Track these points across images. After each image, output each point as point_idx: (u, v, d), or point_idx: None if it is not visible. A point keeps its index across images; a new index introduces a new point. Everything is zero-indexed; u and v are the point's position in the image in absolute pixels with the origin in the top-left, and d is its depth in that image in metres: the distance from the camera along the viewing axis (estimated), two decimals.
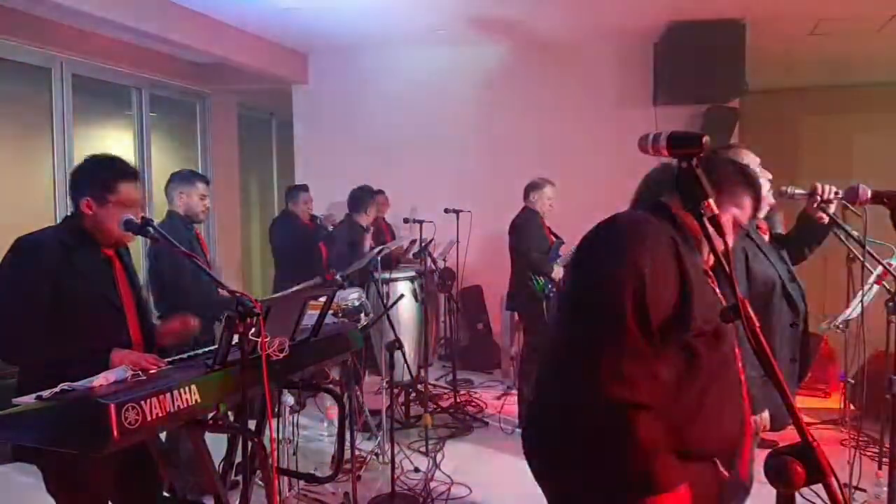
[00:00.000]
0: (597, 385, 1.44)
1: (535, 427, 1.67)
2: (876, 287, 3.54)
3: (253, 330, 2.02)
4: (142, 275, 3.13)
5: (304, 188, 6.15)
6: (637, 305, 1.46)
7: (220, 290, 3.20)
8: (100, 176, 2.34)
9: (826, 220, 2.61)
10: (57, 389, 1.88)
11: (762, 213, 2.59)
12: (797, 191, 2.65)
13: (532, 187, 5.06)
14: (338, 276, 3.63)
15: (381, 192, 6.40)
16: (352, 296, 4.17)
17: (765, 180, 2.50)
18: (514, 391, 5.34)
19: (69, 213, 2.41)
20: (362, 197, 5.34)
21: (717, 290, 1.65)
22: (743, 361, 1.71)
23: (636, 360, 1.45)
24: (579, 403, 1.49)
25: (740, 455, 1.63)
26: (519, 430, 4.86)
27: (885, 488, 2.80)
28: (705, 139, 1.28)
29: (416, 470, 4.12)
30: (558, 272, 4.89)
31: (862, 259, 2.76)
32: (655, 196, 1.69)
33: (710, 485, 1.55)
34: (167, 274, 3.53)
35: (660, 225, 1.58)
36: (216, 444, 2.37)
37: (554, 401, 1.57)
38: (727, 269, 1.26)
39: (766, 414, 2.28)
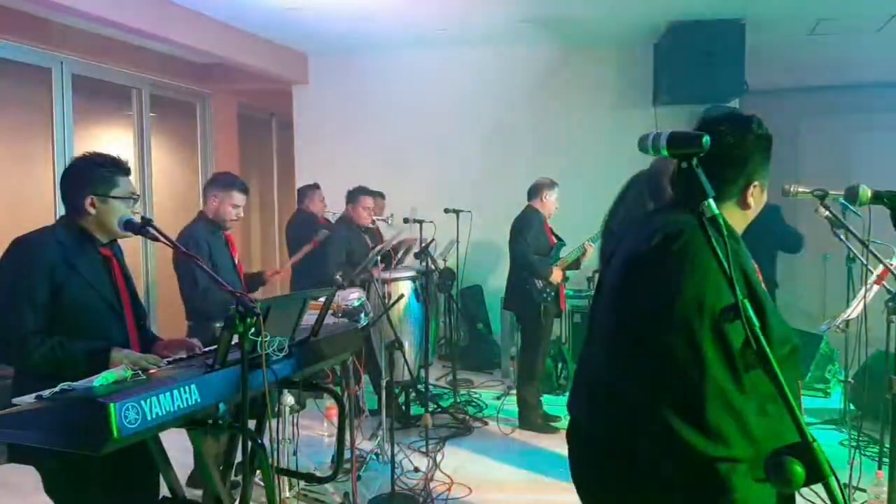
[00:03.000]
0: (681, 440, 1.39)
1: (597, 462, 1.60)
2: (876, 287, 3.53)
3: (253, 330, 2.02)
4: (138, 275, 3.11)
5: (317, 186, 6.10)
6: (715, 339, 1.39)
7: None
8: (99, 173, 2.32)
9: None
10: (57, 389, 1.88)
11: None
12: (800, 189, 2.64)
13: (539, 187, 5.03)
14: (338, 276, 3.63)
15: (375, 192, 6.34)
16: (352, 296, 4.16)
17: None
18: (514, 391, 5.33)
19: (65, 213, 2.40)
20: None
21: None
22: None
23: (724, 406, 1.39)
24: (657, 457, 1.43)
25: None
26: (518, 430, 4.89)
27: (885, 488, 2.80)
28: (705, 139, 1.27)
29: (416, 470, 4.12)
30: (557, 275, 4.89)
31: (862, 259, 2.76)
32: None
33: None
34: (192, 273, 3.49)
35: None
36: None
37: (626, 444, 1.51)
38: (727, 269, 1.25)
39: None
